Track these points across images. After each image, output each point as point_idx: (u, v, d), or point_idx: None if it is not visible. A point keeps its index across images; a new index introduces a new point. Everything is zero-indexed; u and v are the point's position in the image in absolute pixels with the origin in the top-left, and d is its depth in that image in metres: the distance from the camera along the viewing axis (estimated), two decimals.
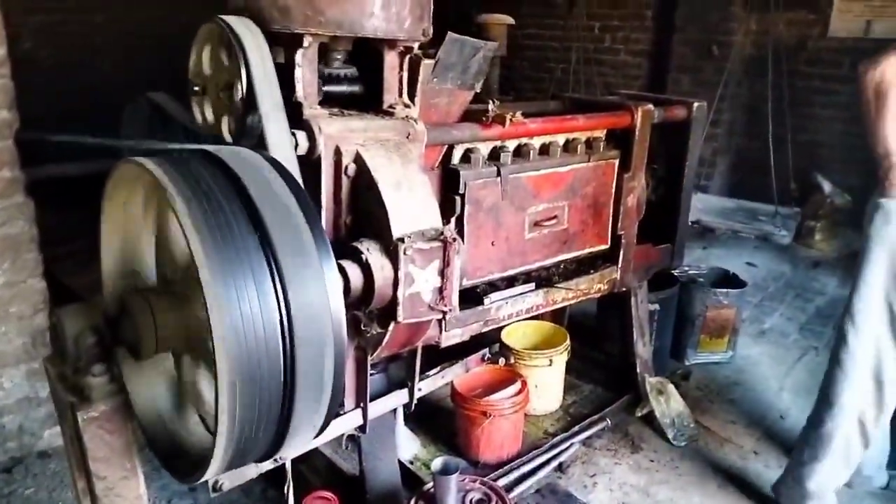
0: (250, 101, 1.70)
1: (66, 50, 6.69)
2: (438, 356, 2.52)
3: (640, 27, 6.92)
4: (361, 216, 1.86)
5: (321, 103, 1.91)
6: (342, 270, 1.69)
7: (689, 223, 5.78)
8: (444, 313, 1.80)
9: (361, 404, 2.17)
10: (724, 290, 3.77)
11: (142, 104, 2.91)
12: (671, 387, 3.32)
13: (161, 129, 2.76)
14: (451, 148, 2.25)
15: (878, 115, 2.32)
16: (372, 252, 1.73)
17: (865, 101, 2.34)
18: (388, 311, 1.76)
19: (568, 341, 3.26)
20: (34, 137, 2.71)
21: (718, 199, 6.49)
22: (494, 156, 2.37)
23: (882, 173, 2.37)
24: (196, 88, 1.86)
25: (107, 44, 6.86)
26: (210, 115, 1.87)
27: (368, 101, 2.04)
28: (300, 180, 1.69)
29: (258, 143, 1.73)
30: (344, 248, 1.76)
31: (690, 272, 3.95)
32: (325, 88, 1.93)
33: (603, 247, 2.83)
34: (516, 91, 7.82)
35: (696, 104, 2.93)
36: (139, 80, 3.93)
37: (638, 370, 3.30)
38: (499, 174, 2.34)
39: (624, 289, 3.02)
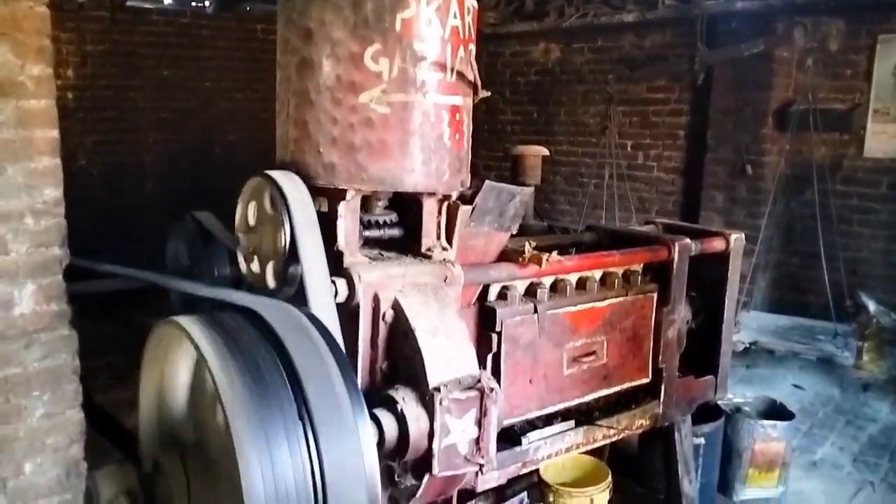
0: (293, 251, 1.74)
1: (117, 167, 7.07)
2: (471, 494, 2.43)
3: (673, 146, 7.04)
4: (398, 361, 1.85)
5: (361, 246, 1.95)
6: (377, 421, 1.67)
7: (748, 345, 5.65)
8: (481, 465, 1.75)
9: None
10: (773, 422, 3.61)
11: (186, 222, 3.02)
12: None
13: (203, 247, 2.85)
14: (487, 285, 2.26)
15: None
16: (408, 402, 1.71)
17: None
18: (423, 463, 1.72)
19: (609, 478, 3.11)
20: (84, 265, 2.76)
21: (773, 317, 6.30)
22: (531, 292, 2.36)
23: None
24: (242, 238, 1.91)
25: (155, 163, 7.23)
26: (256, 265, 1.91)
27: (407, 242, 2.08)
28: (338, 328, 1.71)
29: (299, 289, 1.76)
30: (379, 397, 1.75)
31: (735, 401, 3.81)
32: (366, 233, 1.97)
33: (644, 380, 2.76)
34: (551, 204, 7.93)
35: (733, 236, 2.90)
36: (184, 198, 4.08)
37: None
38: (536, 311, 2.33)
39: (667, 423, 2.91)
